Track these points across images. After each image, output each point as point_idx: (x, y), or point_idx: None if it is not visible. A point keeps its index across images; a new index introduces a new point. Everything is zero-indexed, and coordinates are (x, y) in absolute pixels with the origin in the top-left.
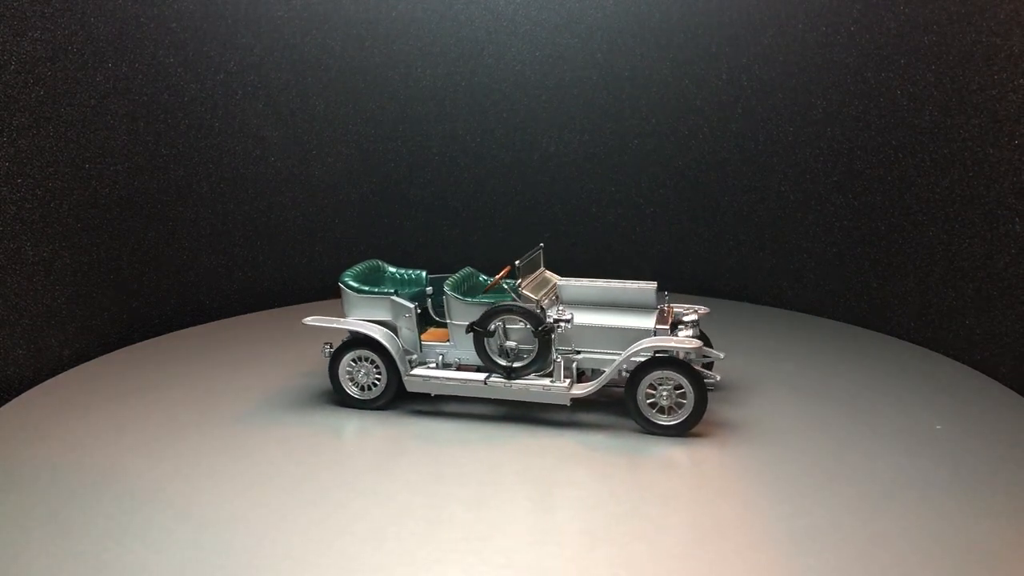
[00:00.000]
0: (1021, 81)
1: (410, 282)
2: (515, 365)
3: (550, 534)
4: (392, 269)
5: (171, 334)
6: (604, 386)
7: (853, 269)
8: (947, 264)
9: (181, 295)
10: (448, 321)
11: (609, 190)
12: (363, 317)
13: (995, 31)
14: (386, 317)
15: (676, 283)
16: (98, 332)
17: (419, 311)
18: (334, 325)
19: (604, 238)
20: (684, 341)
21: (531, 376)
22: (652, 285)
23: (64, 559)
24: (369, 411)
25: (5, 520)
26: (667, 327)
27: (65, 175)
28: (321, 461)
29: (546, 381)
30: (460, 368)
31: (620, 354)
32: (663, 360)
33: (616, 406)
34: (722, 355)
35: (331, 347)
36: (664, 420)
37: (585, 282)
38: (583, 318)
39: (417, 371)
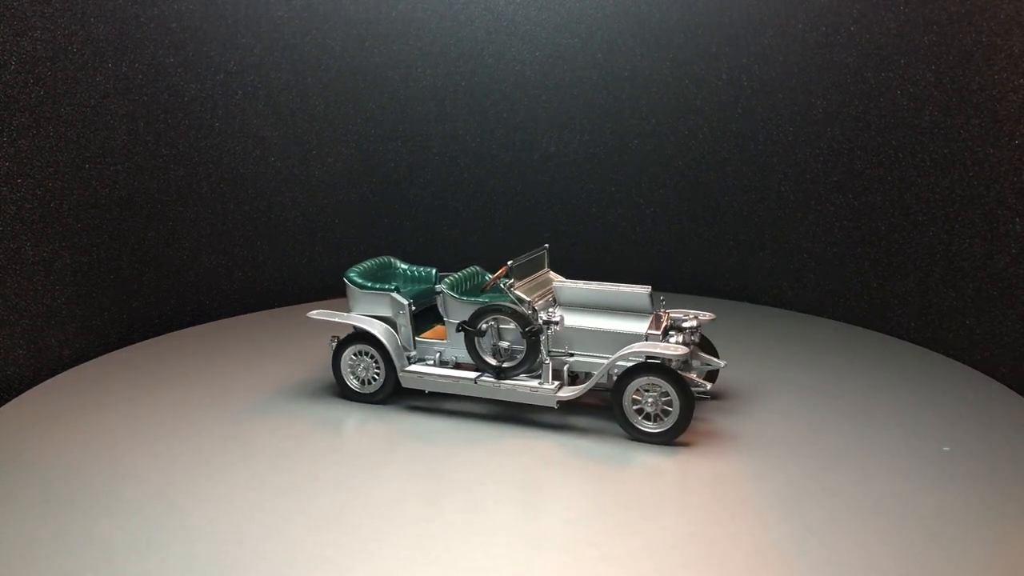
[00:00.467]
0: (1021, 81)
1: (420, 279)
2: (504, 365)
3: (515, 538)
4: (403, 266)
5: (171, 334)
6: (599, 390)
7: (853, 269)
8: (947, 264)
9: (181, 295)
10: (445, 319)
11: (609, 190)
12: (366, 312)
13: (995, 31)
14: (387, 313)
15: (676, 283)
16: (98, 332)
17: (414, 308)
18: (335, 319)
19: (604, 238)
20: (670, 347)
21: (521, 377)
22: (646, 289)
23: (64, 559)
24: (369, 405)
25: (5, 520)
26: (659, 333)
27: (65, 175)
28: (318, 461)
29: (535, 383)
30: (457, 366)
31: (609, 358)
32: (649, 366)
33: (608, 410)
34: (723, 363)
35: (338, 340)
36: (650, 427)
37: (581, 284)
38: (576, 320)
39: (412, 367)
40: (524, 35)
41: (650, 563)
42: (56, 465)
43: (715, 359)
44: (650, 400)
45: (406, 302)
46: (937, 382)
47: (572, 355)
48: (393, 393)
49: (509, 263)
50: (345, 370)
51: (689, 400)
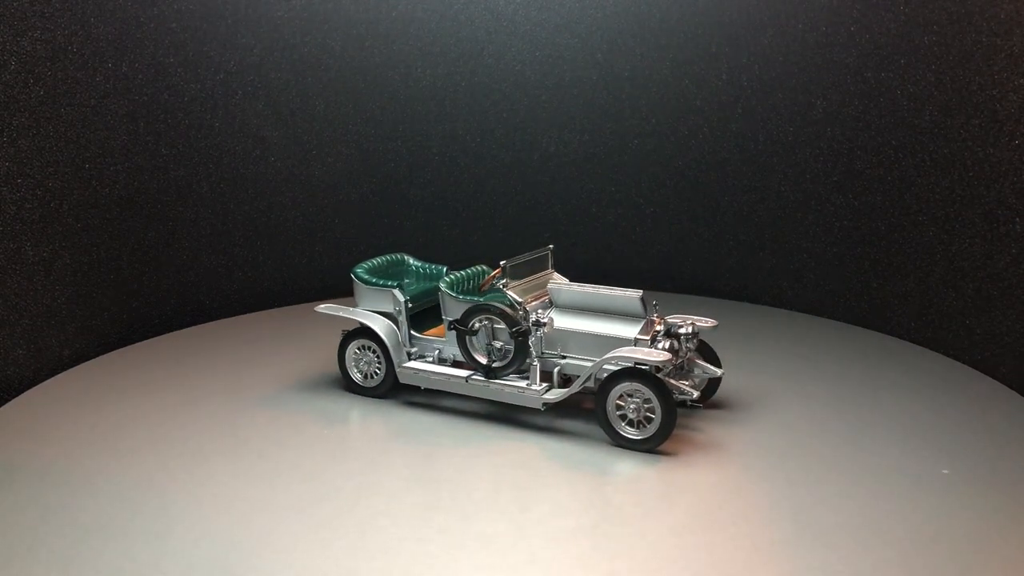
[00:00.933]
0: (1021, 81)
1: (431, 276)
2: (494, 365)
3: (477, 543)
4: (416, 263)
5: (171, 334)
6: (589, 394)
7: (853, 269)
8: (947, 264)
9: (181, 295)
10: (443, 317)
11: (609, 190)
12: (371, 308)
13: (995, 31)
14: (390, 309)
15: (676, 283)
16: (98, 332)
17: (411, 305)
18: (340, 314)
19: (604, 238)
20: (651, 353)
21: (511, 377)
22: (637, 293)
23: (64, 558)
24: (369, 400)
25: (5, 519)
26: (647, 338)
27: (65, 175)
28: (317, 460)
29: (523, 384)
30: (456, 364)
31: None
32: (632, 372)
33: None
34: (720, 372)
35: (344, 334)
36: (632, 434)
37: (575, 286)
38: (567, 323)
39: (410, 363)
40: (524, 35)
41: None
42: (56, 465)
43: (712, 367)
44: (632, 406)
45: (403, 299)
46: (937, 382)
47: (564, 357)
48: (393, 388)
49: (503, 263)
50: (349, 363)
51: (671, 408)
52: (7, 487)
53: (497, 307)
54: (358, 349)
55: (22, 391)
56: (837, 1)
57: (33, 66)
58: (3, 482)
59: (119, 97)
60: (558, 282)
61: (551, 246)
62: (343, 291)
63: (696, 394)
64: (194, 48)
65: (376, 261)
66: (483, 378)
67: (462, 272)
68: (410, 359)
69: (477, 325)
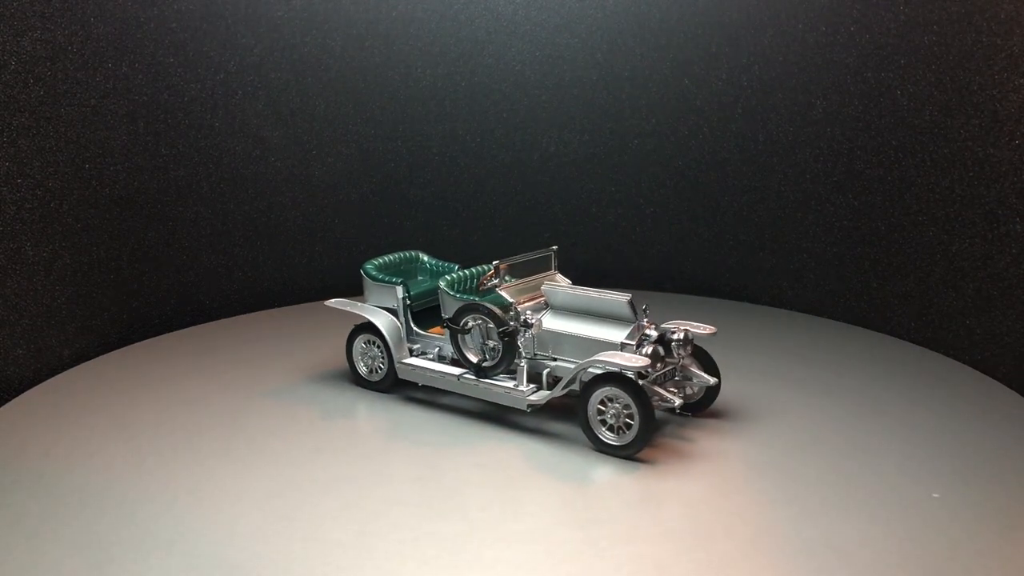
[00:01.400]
0: (1021, 81)
1: (442, 274)
2: (484, 364)
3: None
4: (430, 261)
5: (171, 334)
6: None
7: (853, 269)
8: (947, 264)
9: (181, 295)
10: (442, 315)
11: (609, 190)
12: (378, 304)
13: (995, 31)
14: (394, 305)
15: (676, 283)
16: (98, 332)
17: (410, 302)
18: (348, 309)
19: (604, 238)
20: (629, 358)
21: (501, 377)
22: (626, 296)
23: (63, 558)
24: (372, 395)
25: (4, 519)
26: (633, 343)
27: (65, 175)
28: (313, 462)
29: (511, 384)
30: (454, 362)
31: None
32: (612, 376)
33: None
34: (712, 380)
35: (353, 327)
36: (611, 439)
37: (567, 288)
38: (557, 324)
39: (408, 360)
40: (524, 35)
41: None
42: (56, 465)
43: (706, 376)
44: (612, 412)
45: (401, 295)
46: (937, 382)
47: (555, 359)
48: (396, 383)
49: (495, 263)
50: (356, 357)
51: (649, 414)
52: (7, 487)
53: (486, 307)
54: (364, 344)
55: (22, 391)
56: (837, 1)
57: (33, 66)
58: (3, 482)
59: (119, 97)
60: (554, 284)
61: (555, 247)
62: (343, 291)
63: (678, 402)
64: (194, 48)
65: (388, 258)
66: (474, 377)
67: (465, 271)
68: (412, 355)
69: (471, 324)
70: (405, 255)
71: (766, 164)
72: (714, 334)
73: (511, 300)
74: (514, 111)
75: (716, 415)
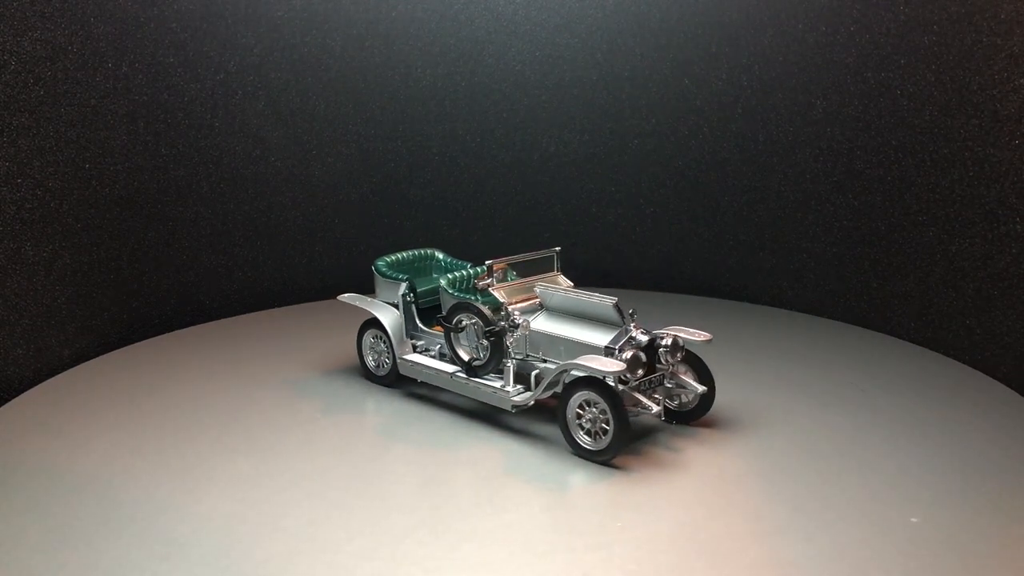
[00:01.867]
0: (1021, 81)
1: (455, 272)
2: (475, 363)
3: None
4: (445, 259)
5: (171, 334)
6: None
7: (853, 269)
8: (947, 264)
9: (181, 295)
10: (443, 312)
11: (609, 190)
12: (387, 300)
13: (995, 31)
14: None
15: (676, 283)
16: (98, 332)
17: (410, 299)
18: (357, 304)
19: (604, 238)
20: (604, 363)
21: (491, 377)
22: (611, 300)
23: (63, 558)
24: (377, 389)
25: (4, 519)
26: (615, 347)
27: (65, 175)
28: (314, 462)
29: (499, 384)
30: (452, 360)
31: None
32: (590, 380)
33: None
34: (701, 389)
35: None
36: (588, 443)
37: (560, 290)
38: (545, 326)
39: (409, 356)
40: (524, 35)
41: None
42: (56, 465)
43: (694, 384)
44: (588, 416)
45: (402, 292)
46: (937, 382)
47: (545, 361)
48: (400, 378)
49: (488, 262)
50: (365, 351)
51: (623, 420)
52: (6, 487)
53: (475, 306)
54: (372, 338)
55: (22, 391)
56: (837, 1)
57: (33, 66)
58: (3, 482)
59: (119, 97)
60: (548, 285)
61: (557, 248)
62: (342, 291)
63: (656, 409)
64: (194, 48)
65: (402, 255)
66: (464, 375)
67: (472, 270)
68: (416, 351)
69: (465, 323)
70: (420, 253)
71: (766, 164)
72: (709, 341)
73: (503, 300)
74: (514, 111)
75: (709, 423)
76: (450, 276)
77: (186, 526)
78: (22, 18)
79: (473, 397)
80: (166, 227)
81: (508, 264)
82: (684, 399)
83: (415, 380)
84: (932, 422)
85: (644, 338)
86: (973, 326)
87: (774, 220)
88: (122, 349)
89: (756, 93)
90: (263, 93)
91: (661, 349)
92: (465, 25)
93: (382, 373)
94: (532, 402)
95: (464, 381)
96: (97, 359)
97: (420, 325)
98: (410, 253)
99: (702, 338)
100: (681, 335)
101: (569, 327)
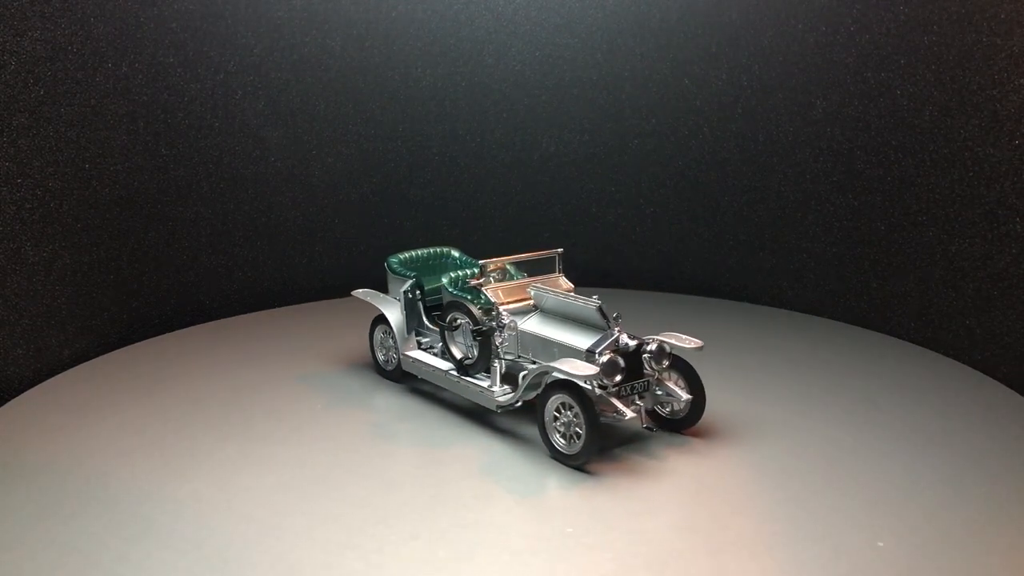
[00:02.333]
0: (1021, 81)
1: (465, 270)
2: (466, 362)
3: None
4: (460, 258)
5: (171, 334)
6: None
7: (853, 269)
8: (947, 264)
9: (181, 295)
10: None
11: (609, 190)
12: (396, 296)
13: (995, 31)
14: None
15: (676, 283)
16: (98, 332)
17: (411, 295)
18: (368, 299)
19: (604, 238)
20: (576, 366)
21: (481, 376)
22: (594, 303)
23: (63, 558)
24: (385, 384)
25: (4, 519)
26: (597, 351)
27: (65, 175)
28: (313, 464)
29: (486, 384)
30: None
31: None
32: (566, 384)
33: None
34: (685, 397)
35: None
36: (562, 447)
37: (550, 291)
38: (533, 327)
39: (411, 352)
40: (524, 35)
41: None
42: (56, 465)
43: (680, 391)
44: (563, 420)
45: (404, 289)
46: (937, 382)
47: (534, 362)
48: (405, 374)
49: (482, 262)
50: (376, 347)
51: (594, 425)
52: (6, 487)
53: (465, 305)
54: (382, 334)
55: (22, 391)
56: (837, 1)
57: (33, 66)
58: (2, 482)
59: (119, 97)
60: (541, 286)
61: (560, 249)
62: (343, 291)
63: (630, 415)
64: (194, 48)
65: (416, 252)
66: (456, 374)
67: (476, 269)
68: (421, 348)
69: (460, 321)
70: (435, 251)
71: (766, 164)
72: (700, 348)
73: (494, 300)
74: (514, 111)
75: (699, 432)
76: (452, 275)
77: (186, 525)
78: (22, 18)
79: (464, 395)
80: (166, 227)
81: (505, 264)
82: (676, 406)
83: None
84: (932, 423)
85: (632, 343)
86: (973, 326)
87: (774, 220)
88: (122, 349)
89: (756, 93)
90: (263, 93)
91: (645, 355)
92: (465, 25)
93: (390, 368)
94: (519, 403)
95: (456, 379)
96: (97, 359)
97: (426, 322)
98: (425, 251)
99: (693, 345)
100: (671, 341)
101: (556, 329)
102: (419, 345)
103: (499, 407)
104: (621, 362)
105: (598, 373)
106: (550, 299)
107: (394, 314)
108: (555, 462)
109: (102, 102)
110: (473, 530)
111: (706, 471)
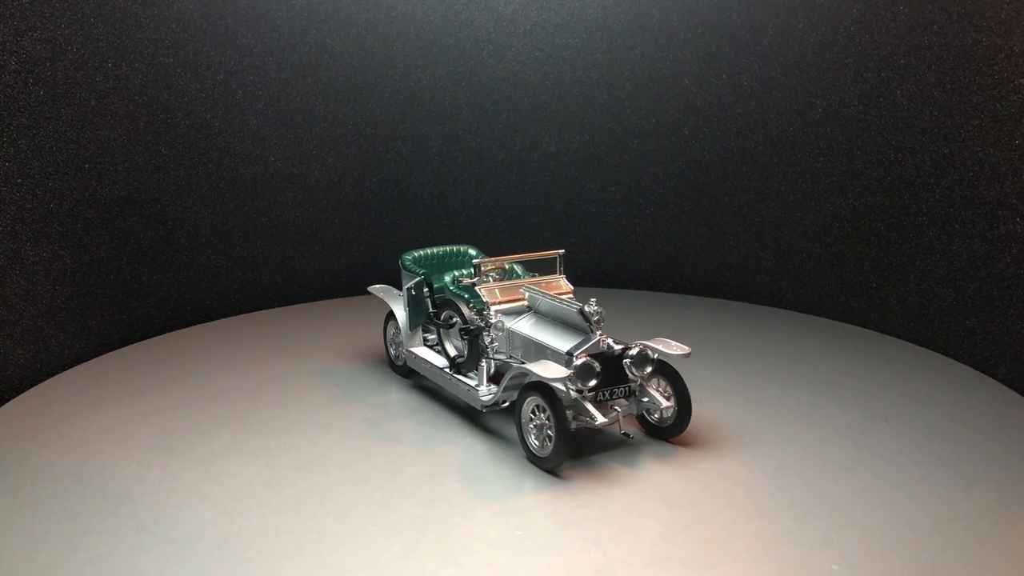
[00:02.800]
0: (1021, 81)
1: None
2: (458, 360)
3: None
4: (478, 256)
5: (171, 334)
6: None
7: (853, 269)
8: (947, 264)
9: (181, 295)
10: None
11: (609, 190)
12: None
13: (995, 31)
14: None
15: (676, 283)
16: (98, 332)
17: (414, 292)
18: (381, 295)
19: (604, 238)
20: (547, 369)
21: (472, 375)
22: (576, 306)
23: (63, 558)
24: (394, 378)
25: (4, 519)
26: (575, 354)
27: (65, 175)
28: (310, 467)
29: (473, 382)
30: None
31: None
32: (537, 385)
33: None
34: (664, 404)
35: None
36: (535, 449)
37: (540, 292)
38: (520, 328)
39: (414, 348)
40: (524, 35)
41: None
42: (56, 465)
43: (660, 398)
44: (536, 422)
45: (407, 287)
46: (937, 382)
47: (523, 363)
48: (411, 371)
49: (475, 261)
50: (388, 342)
51: (562, 428)
52: (6, 487)
53: (455, 304)
54: (394, 330)
55: (22, 391)
56: (837, 1)
57: (33, 66)
58: (2, 482)
59: (119, 97)
60: (533, 288)
61: (561, 251)
62: (343, 291)
63: (600, 421)
64: (194, 48)
65: (431, 250)
66: (448, 372)
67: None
68: (427, 344)
69: (455, 319)
70: (451, 249)
71: (766, 164)
72: (687, 355)
73: (486, 300)
74: (514, 111)
75: (687, 440)
76: (456, 273)
77: (185, 525)
78: (22, 18)
79: (455, 393)
80: (166, 227)
81: (504, 264)
82: (664, 414)
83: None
84: (931, 423)
85: (618, 347)
86: (973, 326)
87: (774, 220)
88: (122, 349)
89: (756, 93)
90: (263, 93)
91: (626, 360)
92: (465, 25)
93: (400, 363)
94: (505, 403)
95: (449, 377)
96: (97, 359)
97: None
98: (441, 249)
99: (680, 351)
100: (658, 347)
101: (543, 331)
102: (425, 342)
103: (484, 407)
104: (596, 366)
105: (570, 376)
106: (540, 300)
107: (400, 311)
108: (528, 465)
109: (102, 102)
110: (415, 528)
111: (678, 483)
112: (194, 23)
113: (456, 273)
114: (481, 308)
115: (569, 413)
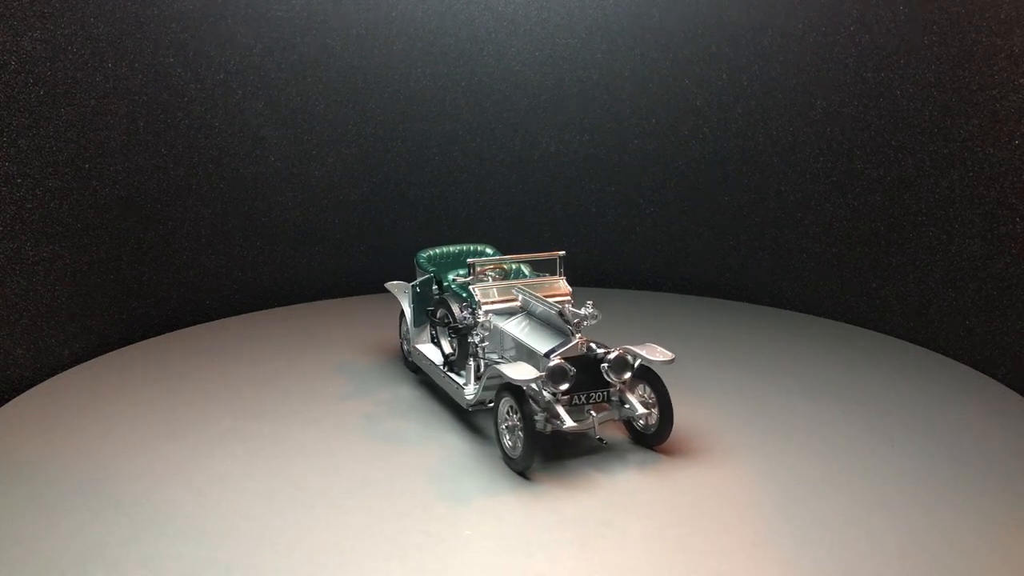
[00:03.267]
0: (1021, 81)
1: None
2: (450, 358)
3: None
4: (495, 255)
5: (171, 334)
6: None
7: (853, 269)
8: (947, 264)
9: (181, 295)
10: None
11: (609, 190)
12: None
13: (995, 31)
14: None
15: (676, 283)
16: (98, 332)
17: (418, 290)
18: (394, 291)
19: (604, 238)
20: (518, 370)
21: (462, 374)
22: (556, 307)
23: (63, 558)
24: (404, 374)
25: (4, 519)
26: (550, 355)
27: (65, 175)
28: (310, 468)
29: (463, 381)
30: None
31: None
32: (510, 386)
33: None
34: (640, 411)
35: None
36: (508, 450)
37: (528, 293)
38: (507, 327)
39: (418, 344)
40: (524, 35)
41: None
42: (56, 465)
43: (638, 405)
44: (508, 424)
45: (409, 285)
46: (937, 382)
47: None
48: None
49: (470, 261)
50: (402, 337)
51: (529, 431)
52: (7, 486)
53: (447, 302)
54: (406, 327)
55: (22, 391)
56: (837, 1)
57: (33, 66)
58: (2, 482)
59: (119, 97)
60: (525, 288)
61: (561, 252)
62: (343, 290)
63: (568, 424)
64: (194, 48)
65: (447, 248)
66: (442, 369)
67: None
68: (432, 342)
69: (449, 318)
70: (467, 248)
71: (766, 164)
72: (670, 362)
73: (479, 299)
74: (514, 111)
75: (671, 448)
76: (461, 271)
77: (185, 524)
78: (22, 18)
79: (446, 391)
80: (166, 227)
81: (503, 264)
82: (650, 420)
83: None
84: (931, 423)
85: (600, 351)
86: (973, 326)
87: (774, 220)
88: (122, 349)
89: (756, 93)
90: (263, 93)
91: (604, 365)
92: (465, 25)
93: (409, 359)
94: (490, 403)
95: (442, 374)
96: (97, 359)
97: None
98: (457, 247)
99: (662, 358)
100: (641, 353)
101: (529, 331)
102: (432, 339)
103: (469, 406)
104: (570, 369)
105: (541, 378)
106: (528, 301)
107: (408, 307)
108: (503, 468)
109: (102, 102)
110: (373, 520)
111: (649, 492)
112: (194, 23)
113: (454, 272)
114: (474, 308)
115: (543, 415)
